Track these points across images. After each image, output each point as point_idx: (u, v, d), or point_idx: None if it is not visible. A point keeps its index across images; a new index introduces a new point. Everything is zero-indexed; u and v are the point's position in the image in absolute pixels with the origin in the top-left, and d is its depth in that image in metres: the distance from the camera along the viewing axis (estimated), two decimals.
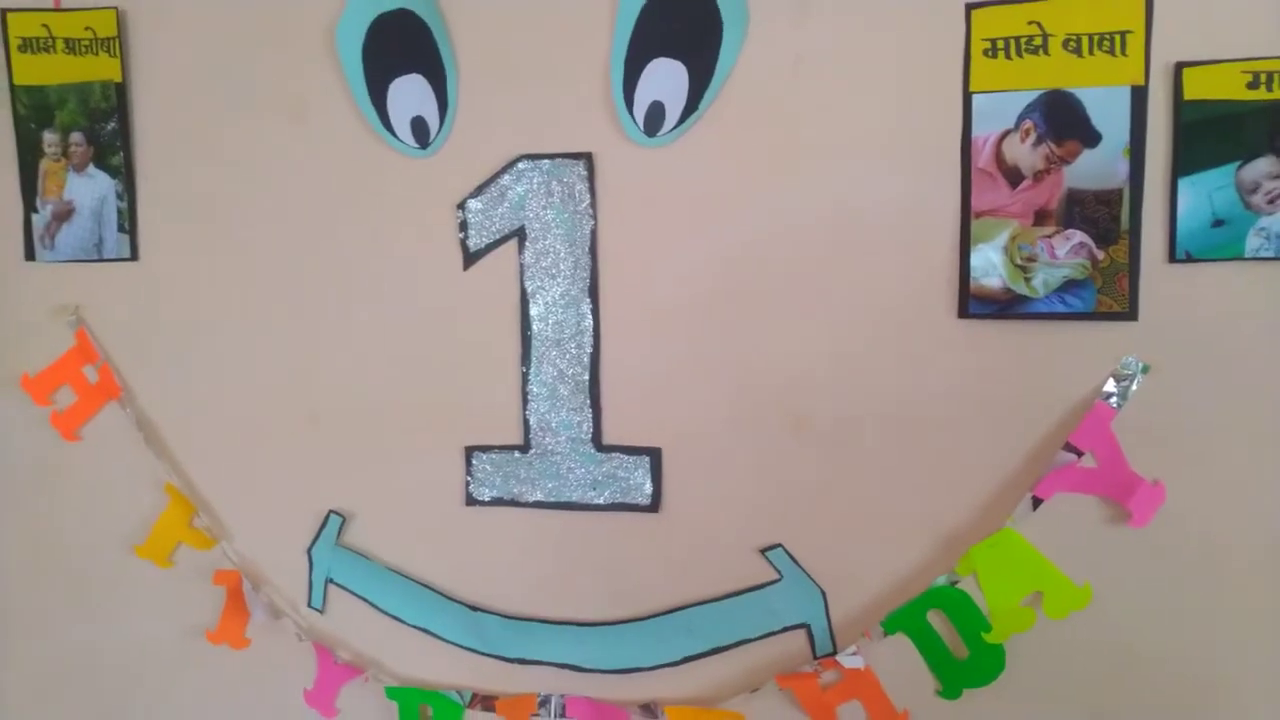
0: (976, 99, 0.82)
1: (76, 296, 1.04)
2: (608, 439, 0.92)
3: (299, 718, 1.02)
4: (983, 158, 0.82)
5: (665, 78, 0.86)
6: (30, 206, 1.04)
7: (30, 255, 1.05)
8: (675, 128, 0.87)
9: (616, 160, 0.89)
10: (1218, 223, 0.79)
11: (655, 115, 0.87)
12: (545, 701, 0.96)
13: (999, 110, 0.81)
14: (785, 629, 0.90)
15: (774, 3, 0.84)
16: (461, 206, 0.92)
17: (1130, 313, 0.80)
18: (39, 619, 1.10)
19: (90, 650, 1.09)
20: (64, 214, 1.03)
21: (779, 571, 0.89)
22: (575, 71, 0.88)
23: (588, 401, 0.92)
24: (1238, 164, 0.78)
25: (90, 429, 1.05)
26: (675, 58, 0.86)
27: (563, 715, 0.96)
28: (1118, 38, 0.79)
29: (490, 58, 0.90)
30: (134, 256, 1.02)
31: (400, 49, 0.91)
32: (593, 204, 0.90)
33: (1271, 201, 0.78)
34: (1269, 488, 0.80)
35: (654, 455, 0.91)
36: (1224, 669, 0.83)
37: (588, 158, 0.89)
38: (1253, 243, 0.78)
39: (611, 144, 0.89)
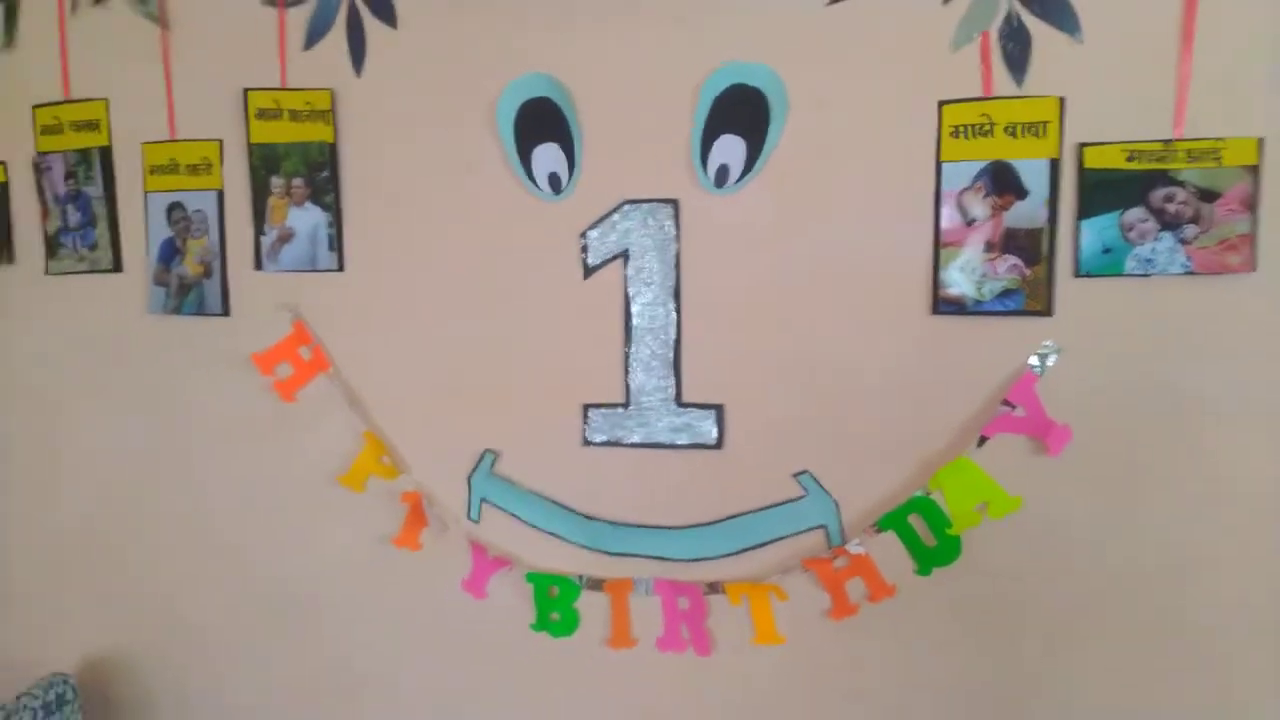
0: (945, 166, 1.19)
1: (294, 297, 1.42)
2: (685, 398, 1.31)
3: (458, 601, 1.41)
4: (948, 206, 1.20)
5: (730, 148, 1.24)
6: (259, 231, 1.43)
7: (259, 266, 1.43)
8: (736, 182, 1.25)
9: (694, 204, 1.27)
10: (1106, 250, 1.17)
11: (722, 174, 1.25)
12: (639, 583, 1.35)
13: (960, 174, 1.19)
14: (810, 529, 1.29)
15: (805, 100, 1.21)
16: (584, 235, 1.31)
17: (1048, 311, 1.18)
18: (261, 535, 1.49)
19: (299, 557, 1.48)
20: (286, 237, 1.42)
21: (805, 489, 1.28)
22: (667, 142, 1.26)
23: (671, 372, 1.31)
24: (1120, 211, 1.16)
25: (304, 394, 1.43)
26: (737, 134, 1.24)
27: (651, 592, 1.35)
28: (1041, 126, 1.16)
29: (605, 132, 1.28)
30: (340, 269, 1.40)
31: (541, 125, 1.29)
32: (677, 234, 1.28)
33: (1141, 237, 1.15)
34: (1140, 426, 1.18)
35: (719, 410, 1.30)
36: (1112, 553, 1.21)
37: (675, 203, 1.27)
38: (1129, 265, 1.16)
39: (691, 193, 1.27)
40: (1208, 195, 1.13)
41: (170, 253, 1.46)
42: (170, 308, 1.47)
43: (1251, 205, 1.12)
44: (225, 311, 1.45)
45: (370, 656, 1.46)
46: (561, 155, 1.29)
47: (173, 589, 1.53)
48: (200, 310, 1.46)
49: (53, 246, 1.52)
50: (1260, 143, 1.11)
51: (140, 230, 1.47)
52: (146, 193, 1.47)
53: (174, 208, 1.45)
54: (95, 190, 1.49)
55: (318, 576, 1.47)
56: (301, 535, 1.47)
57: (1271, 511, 1.17)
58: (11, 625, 1.60)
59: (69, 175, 1.49)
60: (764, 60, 1.22)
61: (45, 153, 1.50)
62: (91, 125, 1.48)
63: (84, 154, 1.48)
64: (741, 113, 1.23)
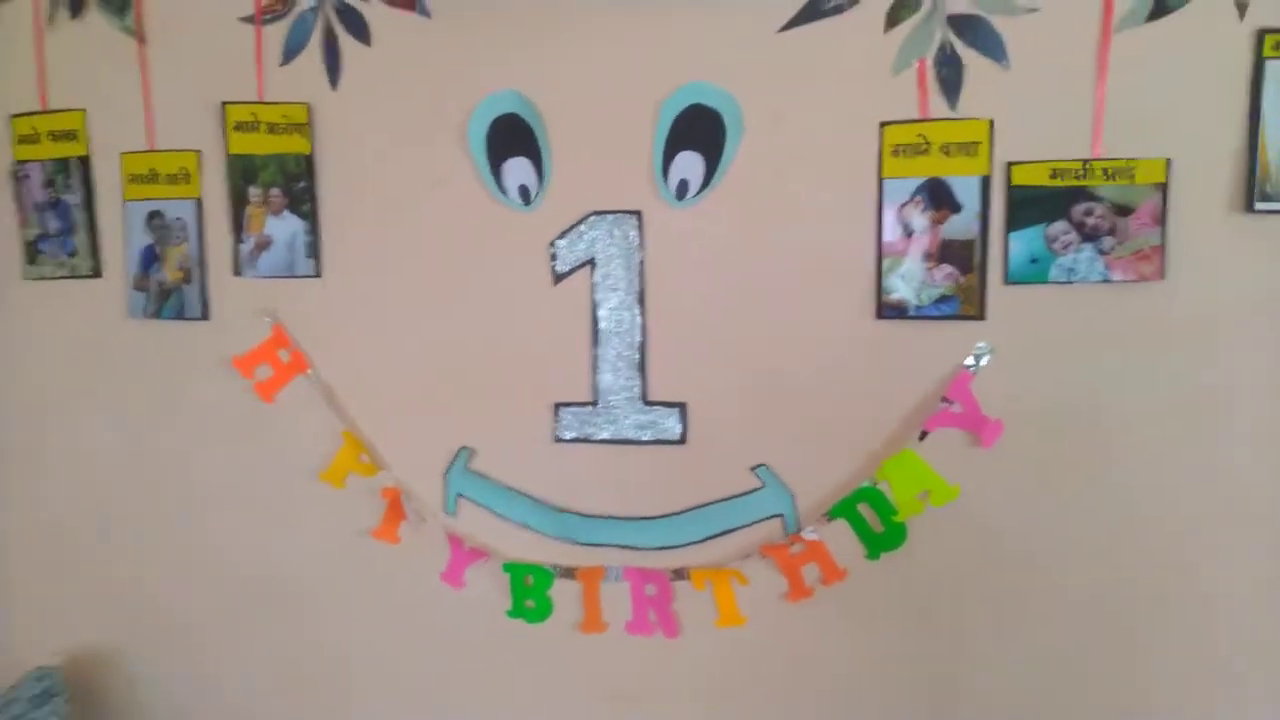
0: (886, 182, 1.29)
1: (272, 302, 1.48)
2: (651, 397, 1.39)
3: (437, 591, 1.48)
4: (890, 219, 1.30)
5: (690, 163, 1.33)
6: (238, 238, 1.48)
7: (237, 272, 1.49)
8: (695, 195, 1.34)
9: (656, 215, 1.35)
10: (1033, 260, 1.28)
11: (683, 187, 1.34)
12: (609, 571, 1.44)
13: (900, 189, 1.29)
14: (767, 518, 1.39)
15: (758, 119, 1.30)
16: (553, 244, 1.39)
17: (981, 315, 1.29)
18: (242, 531, 1.55)
19: (281, 552, 1.54)
20: (264, 245, 1.47)
21: (763, 481, 1.38)
22: (630, 158, 1.34)
23: (637, 372, 1.39)
24: (1045, 225, 1.27)
25: (283, 395, 1.49)
26: (696, 151, 1.32)
27: (620, 579, 1.44)
28: (972, 145, 1.27)
29: (572, 147, 1.36)
30: (318, 275, 1.46)
31: (511, 140, 1.36)
32: (641, 244, 1.36)
33: (1064, 248, 1.27)
34: (1065, 420, 1.30)
35: (682, 408, 1.39)
36: (1042, 538, 1.33)
37: (638, 214, 1.36)
38: (1054, 273, 1.27)
39: (653, 205, 1.35)
40: (1123, 210, 1.24)
41: (150, 259, 1.51)
42: (150, 312, 1.52)
43: (1161, 219, 1.24)
44: (205, 316, 1.50)
45: (352, 645, 1.53)
46: (531, 168, 1.37)
47: (156, 584, 1.58)
48: (180, 315, 1.51)
49: (31, 253, 1.56)
50: (1168, 163, 1.23)
51: (119, 237, 1.52)
52: (126, 201, 1.51)
53: (153, 215, 1.50)
54: (74, 198, 1.52)
55: (300, 569, 1.53)
56: (284, 530, 1.53)
57: (1183, 496, 1.29)
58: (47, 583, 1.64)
59: (48, 183, 1.53)
60: (720, 82, 1.31)
61: (23, 161, 1.54)
62: (69, 135, 1.51)
63: (62, 163, 1.52)
64: (700, 131, 1.32)
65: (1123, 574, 1.32)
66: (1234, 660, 1.32)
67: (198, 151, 1.47)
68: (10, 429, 1.60)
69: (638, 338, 1.38)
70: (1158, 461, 1.29)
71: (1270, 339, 1.25)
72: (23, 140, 1.53)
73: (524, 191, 1.38)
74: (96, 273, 1.53)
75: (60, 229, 1.54)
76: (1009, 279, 1.28)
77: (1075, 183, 1.25)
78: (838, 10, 1.27)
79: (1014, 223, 1.27)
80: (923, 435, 1.31)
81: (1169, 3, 1.22)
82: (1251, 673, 1.32)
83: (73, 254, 1.54)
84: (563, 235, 1.38)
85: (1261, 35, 1.20)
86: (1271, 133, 1.21)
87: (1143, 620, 1.32)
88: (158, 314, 1.51)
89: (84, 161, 1.51)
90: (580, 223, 1.37)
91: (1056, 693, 1.35)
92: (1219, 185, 1.23)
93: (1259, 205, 1.22)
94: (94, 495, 1.58)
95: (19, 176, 1.54)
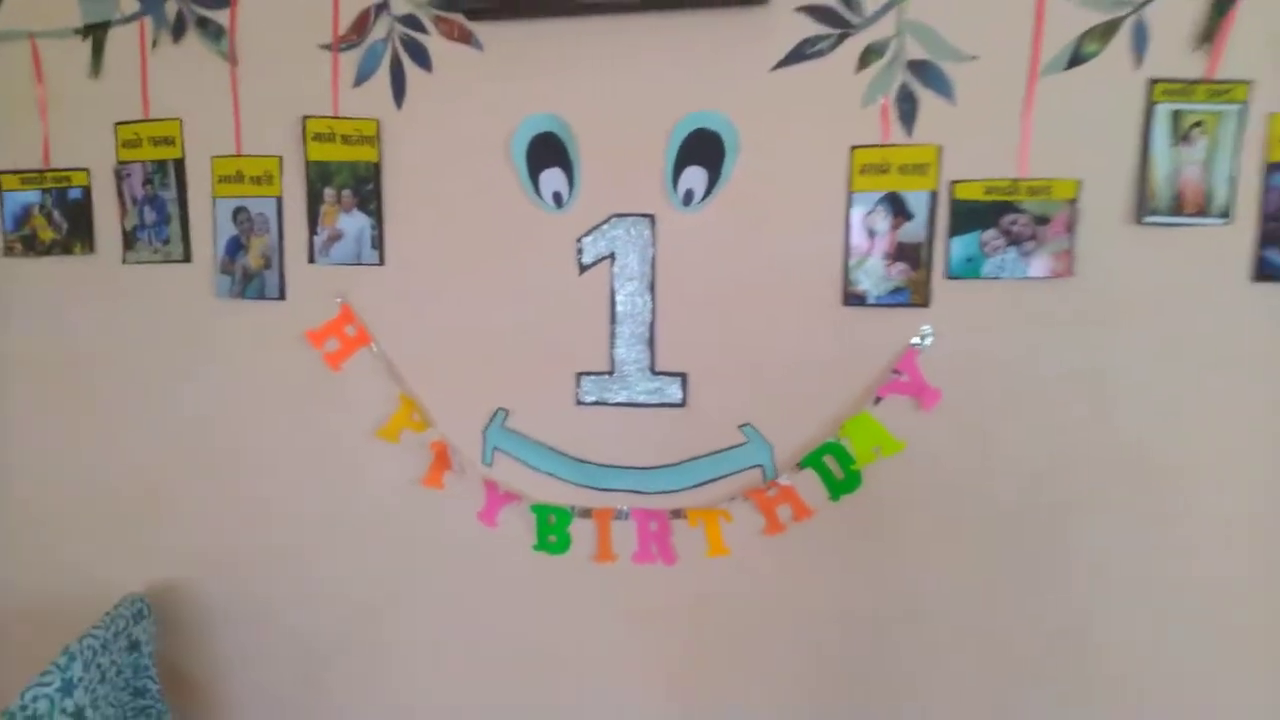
0: (854, 195, 1.59)
1: (341, 286, 1.76)
2: (658, 368, 1.69)
3: (474, 529, 1.78)
4: (856, 225, 1.60)
5: (695, 177, 1.62)
6: (313, 231, 1.76)
7: (311, 260, 1.77)
8: (699, 203, 1.63)
9: (667, 219, 1.65)
10: (969, 260, 1.58)
11: (689, 196, 1.63)
12: (619, 511, 1.74)
13: (865, 201, 1.59)
14: (750, 467, 1.69)
15: (752, 142, 1.60)
16: (579, 241, 1.68)
17: (927, 304, 1.59)
18: (310, 480, 1.84)
19: (343, 497, 1.83)
20: (335, 237, 1.75)
21: (747, 438, 1.68)
22: (646, 170, 1.63)
23: (647, 347, 1.68)
24: (980, 231, 1.57)
25: (348, 364, 1.78)
26: (701, 166, 1.62)
27: (628, 518, 1.74)
28: (924, 166, 1.57)
29: (598, 161, 1.64)
30: (381, 263, 1.74)
31: (548, 154, 1.65)
32: (653, 241, 1.66)
33: (994, 250, 1.57)
34: (993, 389, 1.61)
35: (683, 377, 1.68)
36: (972, 475, 1.64)
37: (651, 217, 1.65)
38: (986, 270, 1.58)
39: (664, 210, 1.64)
40: (1041, 220, 1.55)
41: (235, 248, 1.79)
42: (235, 293, 1.79)
43: (1071, 228, 1.54)
44: (282, 296, 1.78)
45: (405, 575, 1.83)
46: (564, 177, 1.66)
47: (234, 526, 1.86)
48: (261, 295, 1.79)
49: (130, 240, 1.83)
50: (1079, 183, 1.54)
51: (208, 229, 1.79)
52: (215, 198, 1.78)
53: (239, 211, 1.78)
54: (169, 194, 1.80)
55: (359, 511, 1.82)
56: (347, 478, 1.82)
57: (1085, 439, 1.60)
58: (96, 550, 1.92)
59: (146, 181, 1.80)
60: (721, 110, 1.60)
61: (125, 162, 1.81)
62: (167, 140, 1.79)
63: (160, 164, 1.79)
64: (704, 150, 1.61)
65: (1043, 490, 1.61)
66: (1150, 562, 1.63)
67: (279, 157, 1.75)
68: (110, 391, 1.87)
69: (648, 319, 1.68)
70: (1066, 418, 1.58)
71: (1157, 322, 1.56)
72: (126, 144, 1.80)
73: (557, 197, 1.67)
74: (187, 258, 1.81)
75: (156, 220, 1.81)
76: (950, 274, 1.58)
77: (1004, 198, 1.55)
78: (819, 55, 1.57)
79: (955, 229, 1.57)
80: (877, 400, 1.62)
81: (1082, 54, 1.52)
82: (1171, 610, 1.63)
83: (166, 241, 1.81)
84: (588, 233, 1.67)
85: (1152, 83, 1.50)
86: (1158, 161, 1.51)
87: (1079, 565, 1.62)
88: (241, 294, 1.79)
89: (179, 163, 1.79)
90: (603, 223, 1.67)
91: (995, 597, 1.65)
92: (1117, 202, 1.54)
93: (1147, 219, 1.53)
94: (181, 449, 1.86)
95: (121, 175, 1.81)
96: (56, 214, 1.84)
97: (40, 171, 1.84)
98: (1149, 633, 1.62)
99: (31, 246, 1.86)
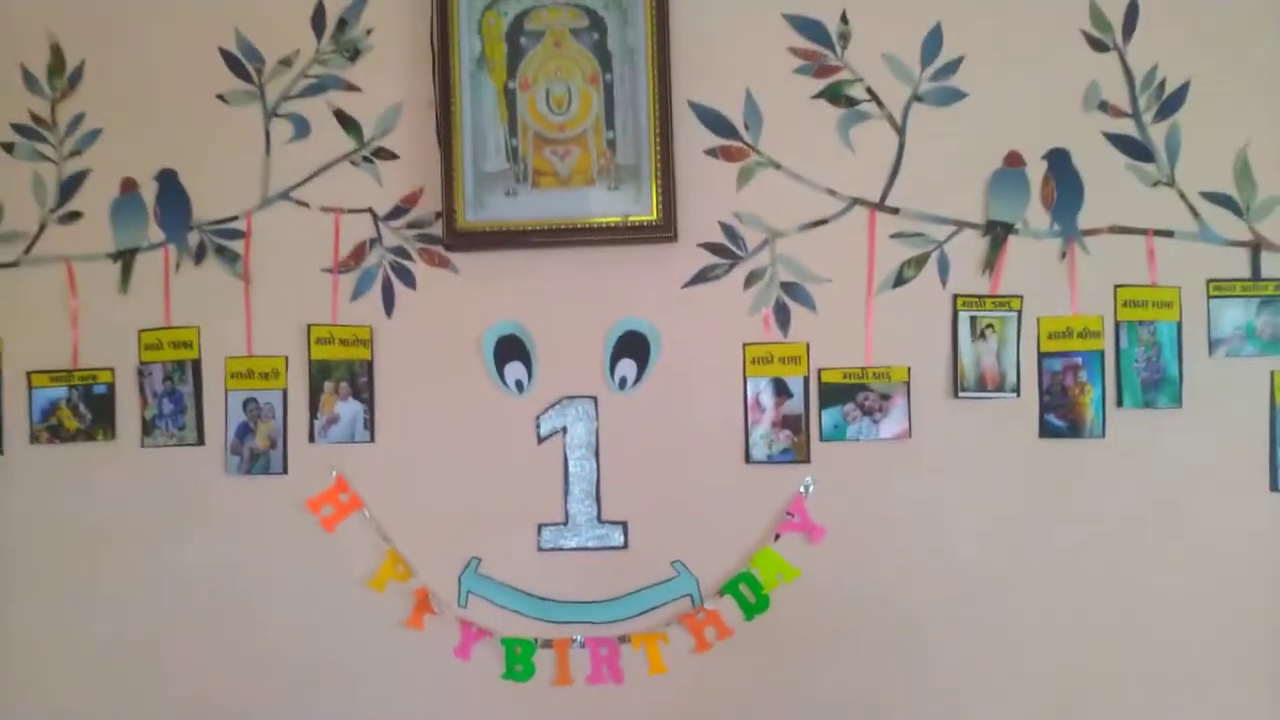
0: (749, 379, 2.09)
1: (337, 461, 2.12)
2: (604, 517, 2.10)
3: (451, 663, 2.09)
4: (751, 402, 2.09)
5: (627, 366, 2.09)
6: (313, 416, 2.13)
7: (311, 439, 2.13)
8: (632, 386, 2.09)
9: (607, 399, 2.09)
10: (836, 426, 2.09)
11: (623, 381, 2.09)
12: (575, 640, 2.10)
13: (757, 384, 2.09)
14: (681, 596, 2.09)
15: (670, 341, 2.08)
16: (538, 418, 2.11)
17: (808, 461, 2.07)
18: (303, 628, 2.13)
19: (333, 641, 2.12)
20: (333, 420, 2.12)
21: (677, 572, 2.10)
22: (589, 363, 2.08)
23: (594, 502, 2.09)
24: (841, 405, 2.09)
25: (342, 526, 2.11)
26: (632, 358, 2.08)
27: (583, 645, 2.09)
28: (798, 358, 2.09)
29: (552, 356, 2.08)
30: (372, 440, 2.12)
31: (511, 351, 2.09)
32: (597, 417, 2.10)
33: (852, 419, 2.09)
34: (867, 521, 2.09)
35: (624, 525, 2.10)
36: (857, 603, 2.09)
37: (595, 398, 2.10)
38: (849, 434, 2.09)
39: (604, 392, 2.09)
40: (885, 396, 2.08)
41: (244, 431, 2.13)
42: (243, 470, 2.12)
43: (908, 401, 2.08)
44: (285, 471, 2.12)
45: (394, 707, 2.11)
46: (524, 369, 2.10)
47: (236, 670, 2.12)
48: (266, 471, 2.12)
49: (148, 427, 2.14)
50: (909, 369, 2.08)
51: (221, 416, 2.14)
52: (228, 390, 2.14)
53: (249, 401, 2.13)
54: (187, 389, 2.14)
55: (351, 652, 2.12)
56: (337, 625, 2.12)
57: (944, 568, 2.09)
58: (99, 699, 2.13)
59: (166, 378, 2.14)
60: (647, 317, 2.09)
61: (147, 362, 2.15)
62: (186, 344, 2.14)
63: (179, 364, 2.14)
64: (634, 346, 2.09)
65: (907, 600, 2.05)
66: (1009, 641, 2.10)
67: (285, 357, 2.13)
68: (120, 554, 2.14)
69: (595, 479, 2.10)
70: (918, 542, 2.07)
71: (973, 469, 2.09)
72: (148, 347, 2.14)
73: (519, 384, 2.11)
74: (200, 441, 2.14)
75: (173, 410, 2.14)
76: (823, 438, 2.08)
77: (857, 380, 2.08)
78: (716, 277, 2.09)
79: (824, 403, 2.08)
80: (777, 537, 2.07)
81: (904, 277, 2.08)
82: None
83: (182, 428, 2.14)
84: (544, 412, 2.11)
85: (955, 297, 2.08)
86: (964, 352, 2.07)
87: (921, 631, 2.06)
88: (249, 471, 2.12)
89: (195, 363, 2.14)
90: (556, 404, 2.11)
91: (880, 695, 2.07)
92: (939, 381, 2.08)
93: (961, 394, 2.07)
94: (187, 605, 2.13)
95: (143, 373, 2.15)
96: (82, 406, 2.14)
97: (69, 371, 2.15)
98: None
99: (57, 435, 2.15)
